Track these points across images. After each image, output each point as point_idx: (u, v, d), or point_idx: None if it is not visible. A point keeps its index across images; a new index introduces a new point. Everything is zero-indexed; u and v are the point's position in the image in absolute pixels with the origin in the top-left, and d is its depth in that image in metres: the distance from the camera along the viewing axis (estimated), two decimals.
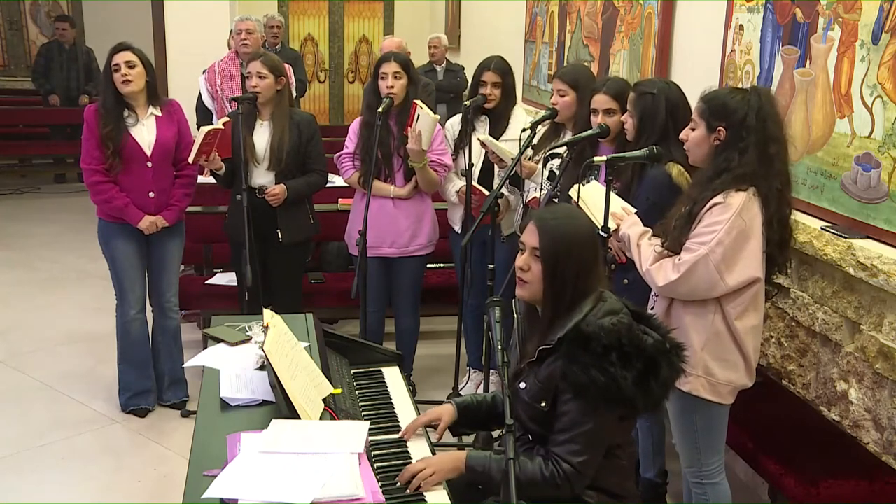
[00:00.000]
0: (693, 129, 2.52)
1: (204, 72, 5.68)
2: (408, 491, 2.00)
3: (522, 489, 1.99)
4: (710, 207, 2.40)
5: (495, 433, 3.44)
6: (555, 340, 2.03)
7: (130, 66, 3.60)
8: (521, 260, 2.13)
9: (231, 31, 6.07)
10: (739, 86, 3.41)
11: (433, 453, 2.17)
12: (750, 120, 2.39)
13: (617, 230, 2.69)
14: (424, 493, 1.99)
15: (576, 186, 2.81)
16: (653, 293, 2.68)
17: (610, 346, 1.94)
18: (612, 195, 2.70)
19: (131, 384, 3.92)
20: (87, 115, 3.66)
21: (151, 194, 3.70)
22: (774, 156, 2.42)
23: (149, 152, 3.67)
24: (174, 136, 3.74)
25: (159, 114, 3.72)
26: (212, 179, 4.05)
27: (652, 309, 2.66)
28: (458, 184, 3.93)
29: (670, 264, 2.45)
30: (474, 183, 3.76)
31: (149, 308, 3.96)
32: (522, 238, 2.15)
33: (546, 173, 3.40)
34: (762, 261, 2.46)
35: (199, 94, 5.58)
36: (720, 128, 2.44)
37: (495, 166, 3.81)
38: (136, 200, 3.68)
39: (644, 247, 2.56)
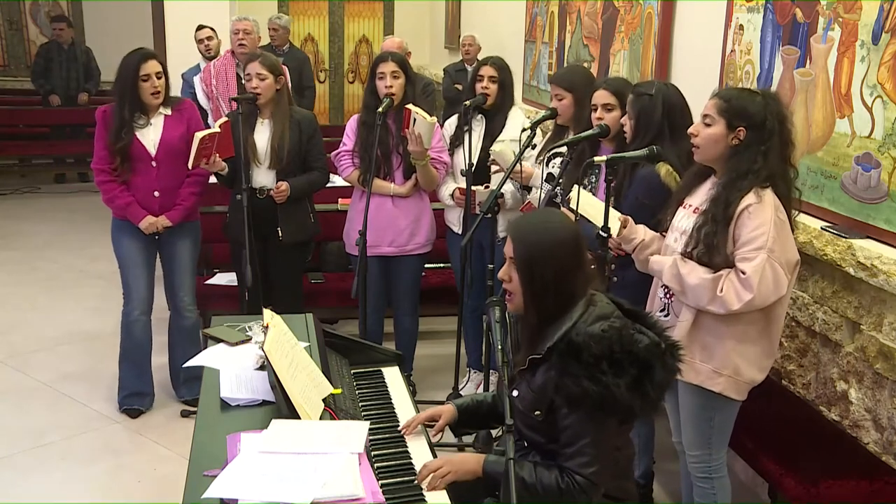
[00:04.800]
0: (708, 126, 2.47)
1: (182, 76, 5.69)
2: (423, 487, 2.01)
3: (539, 497, 2.00)
4: (746, 207, 2.38)
5: (495, 432, 3.46)
6: (545, 350, 2.01)
7: (159, 76, 3.62)
8: (502, 271, 2.11)
9: (195, 36, 6.12)
10: (739, 86, 3.42)
11: (433, 453, 2.17)
12: (771, 123, 2.41)
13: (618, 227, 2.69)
14: (424, 494, 2.00)
15: (574, 190, 2.79)
16: (661, 296, 2.66)
17: (601, 355, 1.92)
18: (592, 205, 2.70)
19: (129, 384, 3.92)
20: (99, 117, 3.67)
21: (156, 194, 3.71)
22: (788, 159, 2.46)
23: (153, 152, 3.67)
24: (182, 135, 3.71)
25: (169, 113, 3.71)
26: (212, 179, 4.05)
27: (662, 312, 2.65)
28: (451, 186, 3.94)
29: (736, 284, 2.38)
30: (473, 187, 3.77)
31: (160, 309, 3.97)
32: (504, 248, 2.14)
33: (545, 175, 3.40)
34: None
35: (194, 94, 5.57)
36: (741, 128, 2.43)
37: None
38: (142, 200, 3.70)
39: (691, 276, 2.45)
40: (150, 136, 3.67)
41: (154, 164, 3.68)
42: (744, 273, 2.36)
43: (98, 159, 3.69)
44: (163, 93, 3.64)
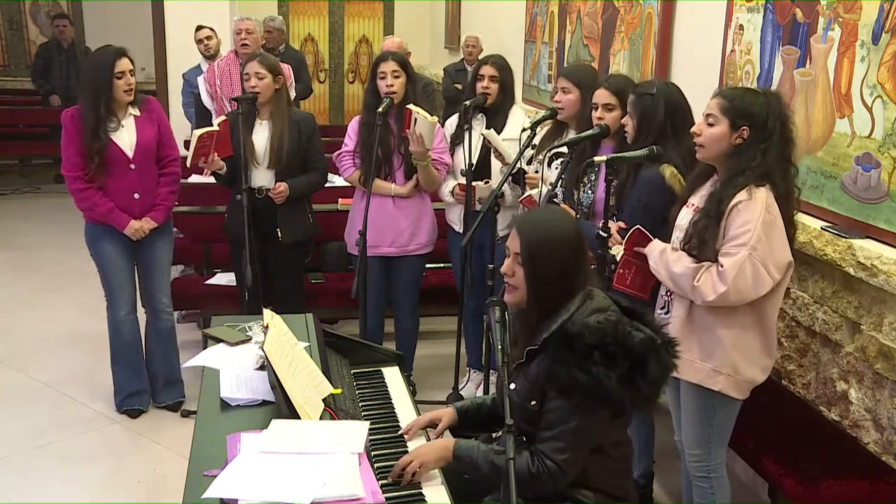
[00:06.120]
0: (711, 125, 2.48)
1: (183, 75, 5.67)
2: (402, 483, 2.02)
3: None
4: (736, 204, 2.39)
5: (495, 434, 3.45)
6: (541, 341, 2.03)
7: (132, 73, 3.58)
8: (505, 265, 2.13)
9: (194, 36, 6.15)
10: (740, 86, 3.41)
11: None
12: (772, 123, 2.42)
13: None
14: (424, 492, 2.00)
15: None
16: (663, 293, 2.67)
17: (593, 345, 1.94)
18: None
19: (125, 385, 3.91)
20: (66, 121, 3.57)
21: (136, 196, 3.66)
22: (789, 158, 2.47)
23: (130, 154, 3.62)
24: (155, 135, 3.69)
25: (138, 113, 3.66)
26: (212, 179, 4.05)
27: (662, 309, 2.65)
28: (451, 183, 3.94)
29: (714, 275, 2.40)
30: (473, 183, 3.77)
31: (142, 309, 3.95)
32: (507, 243, 2.15)
33: (552, 177, 3.38)
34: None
35: (198, 94, 5.58)
36: (744, 127, 2.43)
37: (492, 160, 3.81)
38: (121, 203, 3.64)
39: (676, 265, 2.49)
40: (125, 138, 3.61)
41: (132, 166, 3.64)
42: (722, 266, 2.39)
43: (71, 165, 3.59)
44: (134, 90, 3.60)
